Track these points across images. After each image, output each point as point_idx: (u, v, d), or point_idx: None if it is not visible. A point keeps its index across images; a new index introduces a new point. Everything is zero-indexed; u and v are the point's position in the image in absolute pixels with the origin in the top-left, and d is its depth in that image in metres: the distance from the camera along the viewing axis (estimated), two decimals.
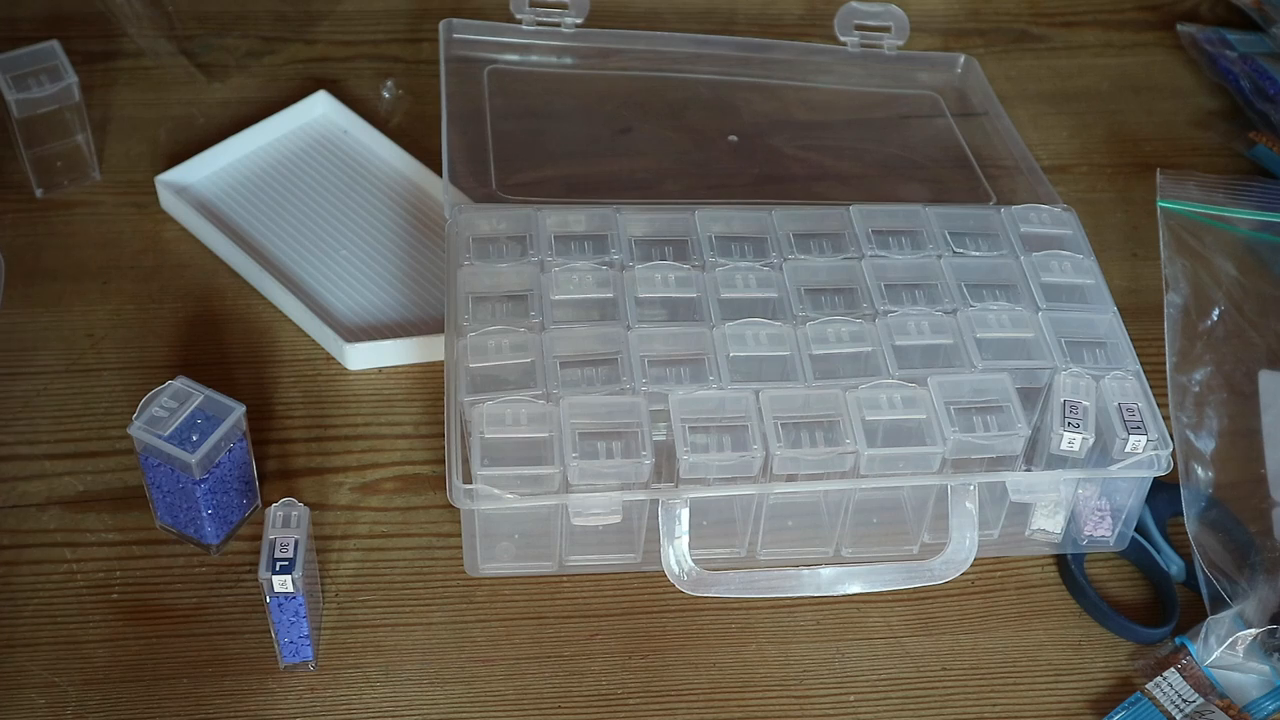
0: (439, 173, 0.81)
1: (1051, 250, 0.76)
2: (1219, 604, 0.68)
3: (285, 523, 0.63)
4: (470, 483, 0.64)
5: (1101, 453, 0.68)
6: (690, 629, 0.68)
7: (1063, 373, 0.70)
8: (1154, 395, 0.69)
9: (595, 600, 0.69)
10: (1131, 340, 0.72)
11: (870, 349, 0.70)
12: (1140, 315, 0.79)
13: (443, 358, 0.73)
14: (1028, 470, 0.69)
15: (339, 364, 0.79)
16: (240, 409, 0.67)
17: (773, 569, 0.68)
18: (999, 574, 0.72)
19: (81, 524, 0.70)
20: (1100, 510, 0.70)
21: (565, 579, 0.70)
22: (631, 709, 0.65)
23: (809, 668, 0.67)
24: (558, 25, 0.92)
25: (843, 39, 0.95)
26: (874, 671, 0.67)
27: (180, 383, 0.67)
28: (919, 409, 0.67)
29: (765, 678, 0.67)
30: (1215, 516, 0.72)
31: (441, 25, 0.90)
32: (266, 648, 0.65)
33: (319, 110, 0.92)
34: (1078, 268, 0.76)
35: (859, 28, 0.95)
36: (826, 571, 0.67)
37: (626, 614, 0.69)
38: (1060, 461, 0.68)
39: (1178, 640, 0.68)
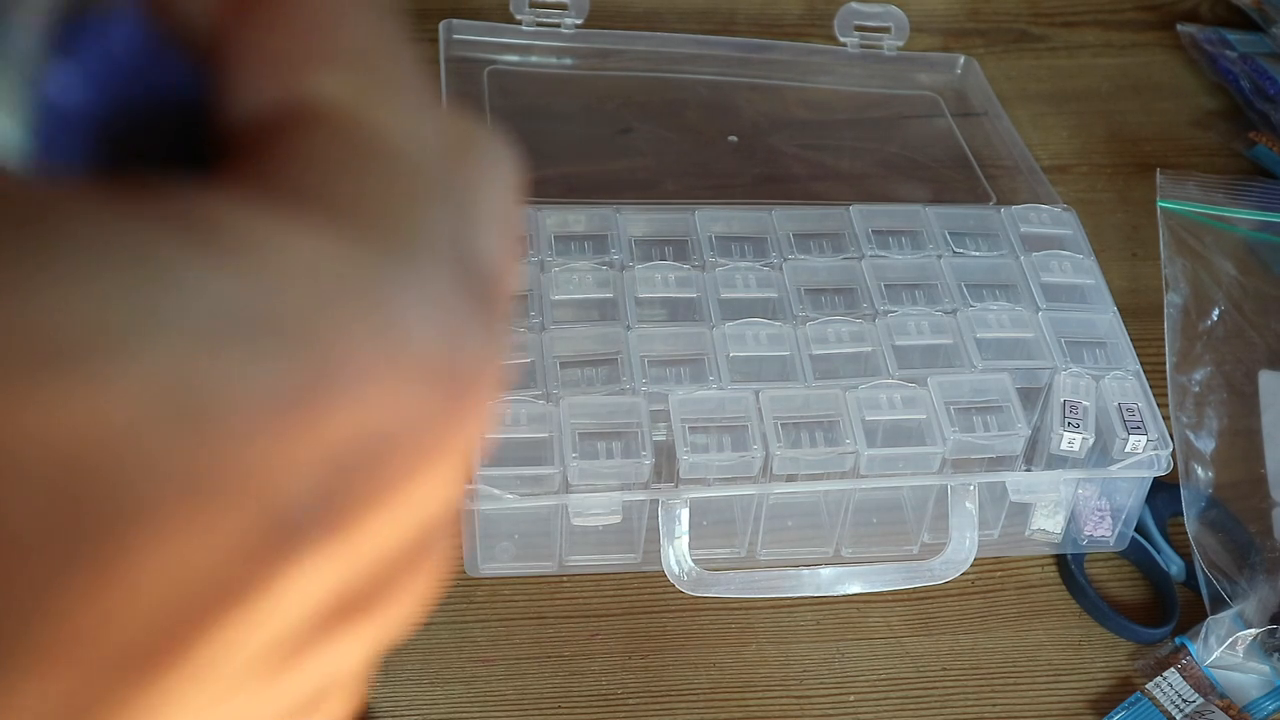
0: None
1: (1051, 250, 0.76)
2: (1219, 604, 0.68)
3: None
4: (470, 483, 0.64)
5: (1101, 453, 0.68)
6: (690, 629, 0.68)
7: (1063, 373, 0.70)
8: (1154, 395, 0.69)
9: (595, 600, 0.69)
10: (1131, 340, 0.72)
11: (870, 349, 0.70)
12: (1140, 315, 0.79)
13: None
14: (1028, 470, 0.69)
15: None
16: None
17: (773, 569, 0.68)
18: (999, 574, 0.72)
19: None
20: (1100, 510, 0.70)
21: (565, 579, 0.70)
22: (631, 709, 0.65)
23: (809, 668, 0.67)
24: (558, 26, 0.92)
25: (842, 39, 0.95)
26: (874, 671, 0.67)
27: None
28: (919, 409, 0.67)
29: (765, 678, 0.67)
30: (1215, 516, 0.72)
31: (441, 26, 0.90)
32: None
33: None
34: (1078, 268, 0.76)
35: (859, 28, 0.95)
36: (826, 571, 0.67)
37: (626, 614, 0.69)
38: (1060, 461, 0.68)
39: (1178, 640, 0.68)
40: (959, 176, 0.89)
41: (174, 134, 0.19)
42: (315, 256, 0.17)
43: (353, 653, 0.20)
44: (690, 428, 0.65)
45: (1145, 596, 0.72)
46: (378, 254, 0.18)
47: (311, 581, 0.18)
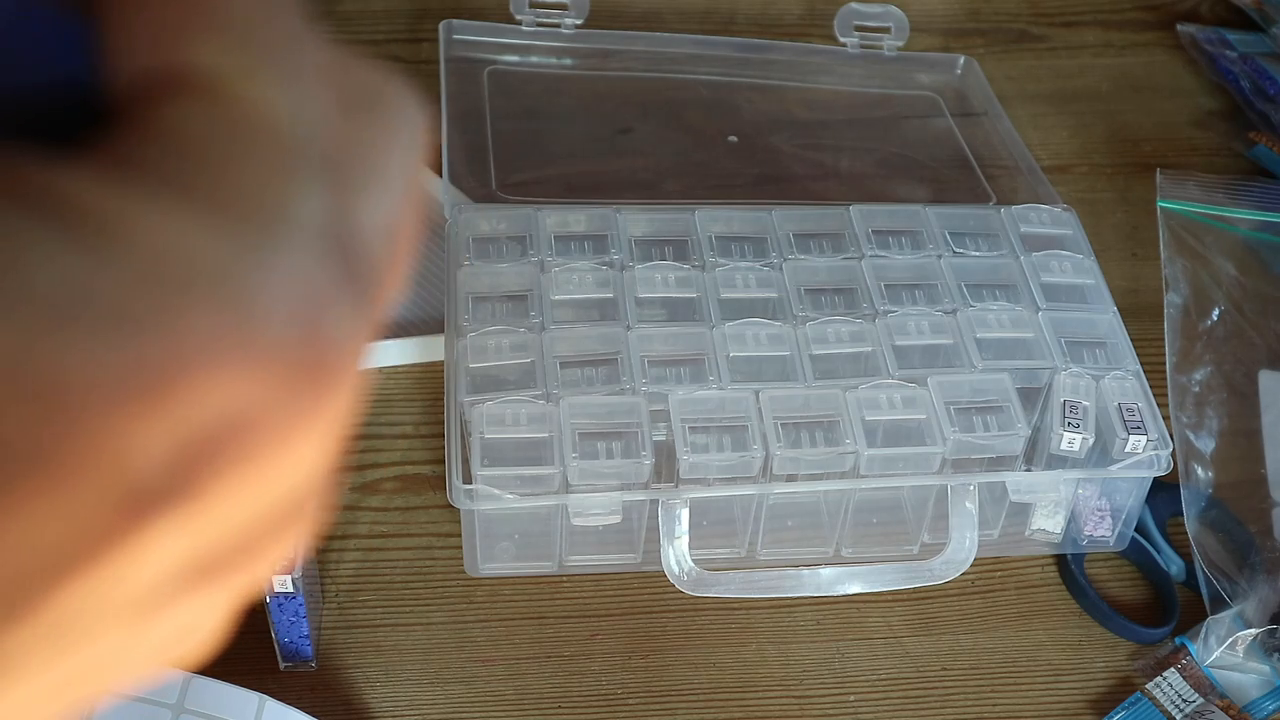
0: (439, 173, 0.81)
1: (1051, 250, 0.76)
2: (1219, 604, 0.68)
3: None
4: (470, 483, 0.64)
5: (1101, 453, 0.68)
6: (690, 629, 0.68)
7: (1063, 373, 0.70)
8: (1154, 395, 0.69)
9: (595, 600, 0.69)
10: (1131, 340, 0.72)
11: (870, 349, 0.70)
12: (1140, 315, 0.79)
13: (443, 358, 0.73)
14: (1028, 470, 0.69)
15: None
16: None
17: (773, 569, 0.68)
18: (999, 574, 0.72)
19: None
20: (1100, 510, 0.70)
21: (565, 579, 0.70)
22: (631, 709, 0.65)
23: (809, 668, 0.67)
24: (558, 26, 0.92)
25: (842, 39, 0.95)
26: (874, 671, 0.67)
27: None
28: (919, 409, 0.67)
29: (765, 678, 0.67)
30: (1215, 516, 0.72)
31: (441, 26, 0.90)
32: (266, 648, 0.65)
33: None
34: (1078, 268, 0.76)
35: (859, 28, 0.95)
36: (826, 571, 0.67)
37: (626, 614, 0.69)
38: (1060, 461, 0.68)
39: (1178, 640, 0.68)
40: (959, 176, 0.89)
41: (68, 105, 0.19)
42: (168, 238, 0.17)
43: (216, 604, 0.20)
44: (690, 428, 0.65)
45: (1145, 596, 0.72)
46: (234, 236, 0.17)
47: (167, 547, 0.18)
